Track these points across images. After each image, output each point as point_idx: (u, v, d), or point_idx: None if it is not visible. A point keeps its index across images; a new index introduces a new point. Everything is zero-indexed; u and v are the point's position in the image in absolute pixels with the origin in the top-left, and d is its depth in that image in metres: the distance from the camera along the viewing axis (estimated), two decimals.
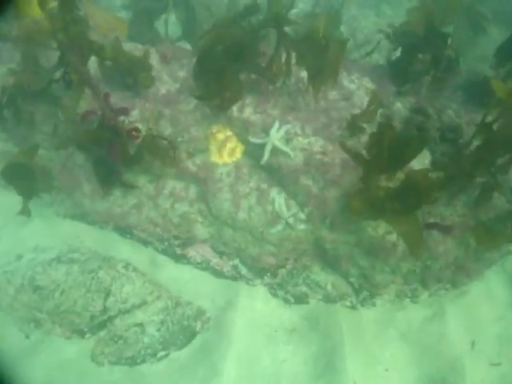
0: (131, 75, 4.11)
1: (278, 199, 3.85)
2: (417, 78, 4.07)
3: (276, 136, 3.81)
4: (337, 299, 4.20)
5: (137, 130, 4.02)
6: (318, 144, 3.82)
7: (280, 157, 3.86)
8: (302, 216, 3.85)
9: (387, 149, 3.14)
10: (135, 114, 4.20)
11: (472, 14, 4.76)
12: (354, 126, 3.68)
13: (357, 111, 4.09)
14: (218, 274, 4.29)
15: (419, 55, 3.96)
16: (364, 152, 3.48)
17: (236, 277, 4.25)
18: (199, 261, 4.27)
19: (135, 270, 4.13)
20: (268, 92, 4.16)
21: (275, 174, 3.93)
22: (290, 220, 3.82)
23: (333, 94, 4.22)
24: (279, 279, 4.21)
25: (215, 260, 4.25)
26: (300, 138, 3.86)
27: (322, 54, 3.58)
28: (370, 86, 4.31)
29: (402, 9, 7.24)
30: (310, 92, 4.19)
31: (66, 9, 3.17)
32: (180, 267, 4.34)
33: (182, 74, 4.76)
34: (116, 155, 4.01)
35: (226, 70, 3.89)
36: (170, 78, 4.71)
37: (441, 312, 4.22)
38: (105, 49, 3.58)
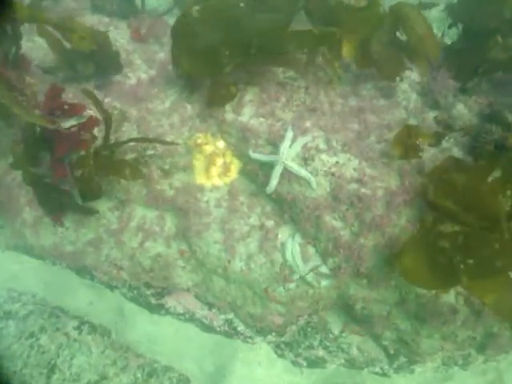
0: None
1: (291, 245, 2.41)
2: (491, 70, 2.55)
3: (289, 152, 2.34)
4: (363, 365, 2.87)
5: (91, 125, 2.52)
6: (350, 165, 2.35)
7: (294, 183, 2.38)
8: (325, 270, 2.43)
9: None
10: (89, 113, 2.71)
11: None
12: (406, 143, 2.21)
13: (403, 114, 2.63)
14: (206, 328, 2.93)
15: (498, 38, 2.43)
16: (427, 186, 2.06)
17: (230, 333, 2.89)
18: (181, 311, 2.90)
19: (92, 330, 2.74)
20: (277, 84, 2.66)
21: (287, 207, 2.46)
22: (309, 277, 2.40)
23: (367, 89, 2.73)
24: (288, 337, 2.86)
25: (202, 312, 2.87)
26: (324, 156, 2.37)
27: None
28: (419, 78, 2.81)
29: None
30: (333, 87, 2.71)
31: None
32: (156, 319, 2.97)
33: (160, 56, 3.23)
34: (61, 173, 2.56)
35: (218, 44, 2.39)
36: (144, 62, 3.18)
37: (498, 382, 2.92)
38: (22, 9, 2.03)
